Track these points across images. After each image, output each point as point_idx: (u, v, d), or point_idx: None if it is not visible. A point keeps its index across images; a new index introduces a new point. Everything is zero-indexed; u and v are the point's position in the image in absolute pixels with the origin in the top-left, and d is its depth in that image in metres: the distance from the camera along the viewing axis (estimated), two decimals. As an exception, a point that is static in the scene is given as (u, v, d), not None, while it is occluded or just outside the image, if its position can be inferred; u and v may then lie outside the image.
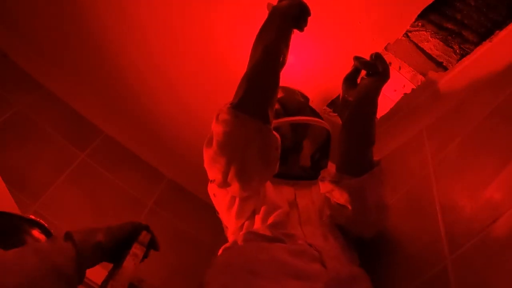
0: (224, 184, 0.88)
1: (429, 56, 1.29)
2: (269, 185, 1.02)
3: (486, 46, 1.15)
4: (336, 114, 1.51)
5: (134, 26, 1.56)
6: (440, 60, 1.27)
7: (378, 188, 0.90)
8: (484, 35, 1.15)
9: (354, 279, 0.80)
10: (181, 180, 1.99)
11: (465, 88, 1.14)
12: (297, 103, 1.28)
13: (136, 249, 0.75)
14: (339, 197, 0.89)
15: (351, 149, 0.90)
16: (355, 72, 0.94)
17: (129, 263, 0.71)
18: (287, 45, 0.89)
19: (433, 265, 0.80)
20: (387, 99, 1.41)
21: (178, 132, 1.86)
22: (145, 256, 0.78)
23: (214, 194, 1.01)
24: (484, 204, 0.76)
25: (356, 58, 0.90)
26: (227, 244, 0.90)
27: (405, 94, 1.38)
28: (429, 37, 1.25)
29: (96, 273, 0.80)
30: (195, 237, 1.86)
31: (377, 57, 0.87)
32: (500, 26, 1.11)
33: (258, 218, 0.94)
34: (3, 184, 1.24)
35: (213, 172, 0.89)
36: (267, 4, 0.93)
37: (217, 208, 1.04)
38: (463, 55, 1.22)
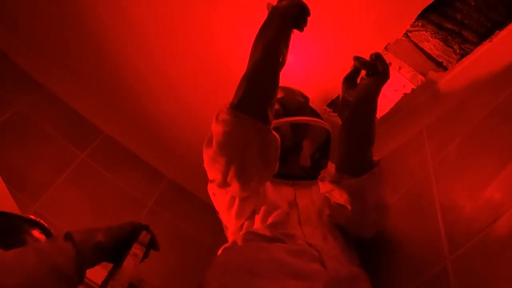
0: (224, 184, 0.88)
1: (429, 56, 1.29)
2: (269, 185, 1.02)
3: (486, 46, 1.15)
4: (336, 114, 1.51)
5: (134, 26, 1.56)
6: (440, 60, 1.27)
7: (377, 188, 0.90)
8: (484, 35, 1.15)
9: (354, 279, 0.80)
10: (181, 180, 1.99)
11: (465, 88, 1.14)
12: (297, 103, 1.28)
13: (136, 249, 0.75)
14: (339, 197, 0.89)
15: (350, 149, 0.90)
16: (355, 72, 0.94)
17: (129, 263, 0.71)
18: (286, 45, 0.89)
19: (433, 265, 0.80)
20: (387, 99, 1.41)
21: (178, 132, 1.86)
22: (145, 256, 0.78)
23: (213, 194, 1.01)
24: (484, 204, 0.76)
25: (356, 58, 0.90)
26: (226, 244, 0.90)
27: (405, 94, 1.38)
28: (429, 37, 1.25)
29: (96, 273, 0.80)
30: (195, 237, 1.86)
31: (377, 57, 0.87)
32: (500, 26, 1.11)
33: (258, 218, 0.94)
34: (3, 184, 1.24)
35: (213, 172, 0.89)
36: (267, 4, 0.93)
37: (217, 208, 1.04)
38: (463, 55, 1.22)
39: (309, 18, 0.91)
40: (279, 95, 1.24)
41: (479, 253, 0.70)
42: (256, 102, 0.83)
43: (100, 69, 1.74)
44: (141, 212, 1.80)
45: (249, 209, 0.97)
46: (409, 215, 1.01)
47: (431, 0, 1.15)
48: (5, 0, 1.65)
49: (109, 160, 1.83)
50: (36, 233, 1.00)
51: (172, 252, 1.72)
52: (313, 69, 1.47)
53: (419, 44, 1.28)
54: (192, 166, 1.73)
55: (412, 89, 1.36)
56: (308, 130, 1.28)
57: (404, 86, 1.38)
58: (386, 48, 1.32)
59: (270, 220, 0.91)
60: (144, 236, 0.79)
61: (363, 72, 0.93)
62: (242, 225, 0.98)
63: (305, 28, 0.92)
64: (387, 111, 1.42)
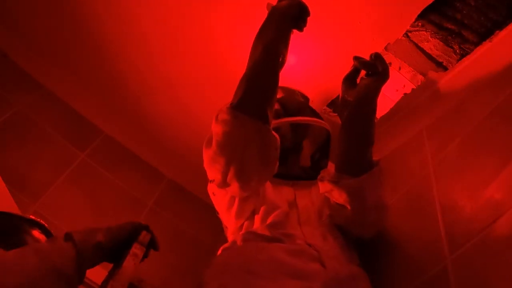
0: (224, 184, 0.88)
1: (429, 56, 1.29)
2: (268, 185, 1.02)
3: (486, 46, 1.15)
4: (336, 114, 1.51)
5: (134, 26, 1.56)
6: (440, 60, 1.27)
7: (377, 188, 0.90)
8: (484, 35, 1.15)
9: (353, 279, 0.80)
10: (181, 180, 1.99)
11: (465, 88, 1.14)
12: (297, 103, 1.28)
13: (136, 249, 0.75)
14: (338, 197, 0.89)
15: (350, 149, 0.90)
16: (354, 72, 0.94)
17: (129, 263, 0.72)
18: (286, 45, 0.88)
19: (433, 265, 0.80)
20: (387, 99, 1.41)
21: (178, 132, 1.86)
22: (145, 256, 0.78)
23: (213, 193, 1.01)
24: (484, 204, 0.76)
25: (356, 58, 0.90)
26: (226, 244, 0.91)
27: (405, 94, 1.38)
28: (429, 37, 1.25)
29: (96, 273, 0.80)
30: (195, 237, 1.86)
31: (377, 57, 0.87)
32: (500, 26, 1.11)
33: (257, 218, 0.94)
34: (3, 184, 1.24)
35: (213, 172, 0.89)
36: (267, 4, 0.92)
37: (216, 208, 1.04)
38: (463, 55, 1.22)
39: (309, 18, 0.90)
40: (279, 95, 1.24)
41: (479, 253, 0.70)
42: (256, 102, 0.83)
43: (100, 69, 1.74)
44: (141, 212, 1.80)
45: (249, 209, 0.97)
46: (409, 215, 1.01)
47: (431, 0, 1.15)
48: (5, 0, 1.65)
49: (109, 160, 1.83)
50: (36, 233, 1.00)
51: (172, 252, 1.72)
52: (313, 69, 1.47)
53: (419, 44, 1.28)
54: (192, 166, 1.73)
55: (412, 89, 1.36)
56: (308, 130, 1.28)
57: (404, 86, 1.38)
58: (386, 48, 1.32)
59: (269, 220, 0.91)
60: (144, 236, 0.79)
61: (363, 72, 0.93)
62: (242, 225, 0.98)
63: (305, 28, 0.92)
64: (387, 111, 1.42)
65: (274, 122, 1.08)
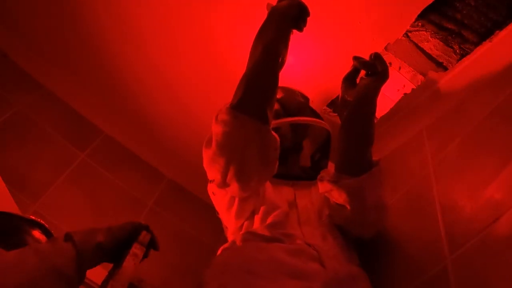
0: (223, 184, 0.88)
1: (429, 56, 1.29)
2: (268, 186, 1.02)
3: (486, 46, 1.15)
4: (336, 114, 1.51)
5: (133, 26, 1.56)
6: (440, 60, 1.27)
7: (377, 188, 0.90)
8: (484, 35, 1.15)
9: (353, 279, 0.80)
10: (181, 180, 1.99)
11: (465, 88, 1.14)
12: (297, 104, 1.28)
13: (136, 249, 0.75)
14: (338, 197, 0.89)
15: (350, 149, 0.90)
16: (354, 72, 0.94)
17: (129, 263, 0.72)
18: (286, 46, 0.88)
19: (433, 265, 0.80)
20: (387, 99, 1.41)
21: (178, 132, 1.86)
22: (145, 256, 0.79)
23: (213, 193, 1.01)
24: (484, 204, 0.76)
25: (356, 58, 0.90)
26: (226, 245, 0.91)
27: (405, 94, 1.38)
28: (429, 37, 1.25)
29: (96, 273, 0.80)
30: (195, 237, 1.86)
31: (376, 57, 0.87)
32: (500, 26, 1.11)
33: (257, 218, 0.94)
34: (3, 184, 1.24)
35: (212, 172, 0.89)
36: (267, 4, 0.92)
37: (216, 208, 1.05)
38: (463, 55, 1.22)
39: (309, 18, 0.90)
40: (279, 95, 1.25)
41: (479, 253, 0.70)
42: (256, 102, 0.83)
43: (100, 69, 1.74)
44: (141, 212, 1.80)
45: (249, 209, 0.97)
46: (409, 215, 1.01)
47: (431, 0, 1.15)
48: (5, 0, 1.65)
49: (109, 160, 1.83)
50: (36, 233, 1.00)
51: (172, 252, 1.72)
52: (313, 69, 1.47)
53: (419, 44, 1.28)
54: (192, 166, 1.73)
55: (412, 89, 1.36)
56: (308, 130, 1.28)
57: (404, 86, 1.38)
58: (386, 48, 1.32)
59: (269, 220, 0.91)
60: (144, 236, 0.79)
61: (362, 72, 0.93)
62: (242, 225, 0.98)
63: (304, 28, 0.92)
64: (387, 111, 1.42)
65: (274, 122, 1.08)
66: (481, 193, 0.78)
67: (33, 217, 1.04)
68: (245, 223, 0.97)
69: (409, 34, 1.27)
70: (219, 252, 0.90)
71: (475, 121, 0.95)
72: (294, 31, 0.91)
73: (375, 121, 0.92)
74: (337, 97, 1.40)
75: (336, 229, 0.95)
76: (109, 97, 1.84)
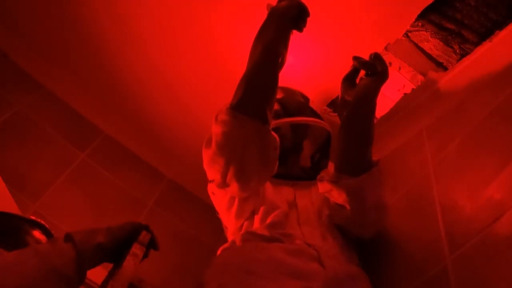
0: (223, 184, 0.88)
1: (429, 56, 1.29)
2: (268, 186, 1.02)
3: (486, 46, 1.15)
4: (336, 114, 1.51)
5: (133, 26, 1.56)
6: (440, 60, 1.27)
7: (377, 188, 0.90)
8: (484, 35, 1.15)
9: (353, 279, 0.80)
10: (181, 180, 1.99)
11: (465, 88, 1.14)
12: (297, 104, 1.28)
13: (136, 249, 0.75)
14: (338, 197, 0.89)
15: (349, 149, 0.90)
16: (354, 72, 0.94)
17: (129, 263, 0.72)
18: (286, 46, 0.88)
19: (433, 265, 0.80)
20: (387, 99, 1.41)
21: (178, 132, 1.86)
22: (145, 256, 0.79)
23: (213, 193, 1.01)
24: (484, 204, 0.76)
25: (355, 58, 0.90)
26: (225, 245, 0.91)
27: (405, 94, 1.38)
28: (429, 37, 1.25)
29: (96, 273, 0.80)
30: (195, 237, 1.86)
31: (376, 57, 0.87)
32: (500, 26, 1.11)
33: (257, 218, 0.94)
34: (3, 184, 1.24)
35: (212, 172, 0.89)
36: (267, 4, 0.92)
37: (216, 208, 1.05)
38: (463, 55, 1.22)
39: (308, 19, 0.90)
40: (279, 95, 1.25)
41: (479, 253, 0.70)
42: (255, 102, 0.83)
43: (100, 69, 1.74)
44: (141, 212, 1.80)
45: (249, 209, 0.97)
46: (409, 215, 1.01)
47: (431, 0, 1.15)
48: (5, 0, 1.65)
49: (109, 160, 1.83)
50: (36, 233, 1.00)
51: (172, 252, 1.72)
52: (313, 69, 1.47)
53: (419, 44, 1.28)
54: (192, 166, 1.73)
55: (412, 89, 1.36)
56: (308, 131, 1.28)
57: (404, 86, 1.38)
58: (386, 48, 1.32)
59: (269, 220, 0.91)
60: (144, 236, 0.79)
61: (362, 72, 0.93)
62: (242, 225, 0.98)
63: (304, 29, 0.92)
64: (387, 111, 1.42)
65: (274, 122, 1.09)
66: (481, 193, 0.78)
67: (33, 217, 1.04)
68: (245, 223, 0.97)
69: (409, 34, 1.27)
70: (219, 252, 0.90)
71: (475, 121, 0.95)
72: (294, 31, 0.91)
73: (375, 121, 0.92)
74: (337, 97, 1.40)
75: (336, 229, 0.95)
76: (109, 97, 1.84)
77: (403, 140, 1.28)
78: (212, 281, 0.73)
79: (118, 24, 1.57)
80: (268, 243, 0.83)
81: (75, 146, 1.77)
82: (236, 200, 0.95)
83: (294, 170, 1.18)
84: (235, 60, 1.50)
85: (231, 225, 1.01)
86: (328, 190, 0.91)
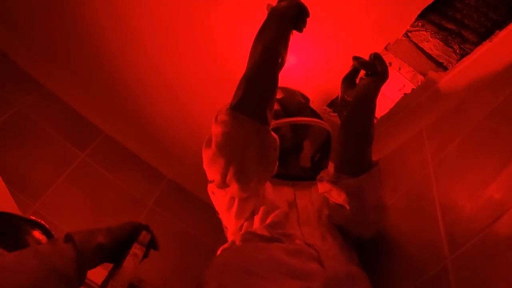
0: (223, 184, 0.88)
1: (429, 56, 1.29)
2: (268, 186, 1.02)
3: (486, 46, 1.15)
4: (336, 114, 1.51)
5: (133, 26, 1.56)
6: (440, 60, 1.27)
7: (376, 188, 0.90)
8: (484, 35, 1.15)
9: (353, 279, 0.80)
10: (181, 180, 1.99)
11: (465, 88, 1.14)
12: (297, 104, 1.28)
13: (136, 249, 0.75)
14: (337, 197, 0.89)
15: (349, 149, 0.90)
16: (354, 72, 0.94)
17: (129, 263, 0.72)
18: (285, 46, 0.88)
19: (433, 265, 0.80)
20: (387, 99, 1.41)
21: (178, 132, 1.86)
22: (145, 256, 0.79)
23: (213, 193, 1.01)
24: (484, 204, 0.76)
25: (355, 58, 0.90)
26: (225, 245, 0.91)
27: (405, 94, 1.38)
28: (429, 37, 1.25)
29: (96, 273, 0.80)
30: (195, 237, 1.86)
31: (376, 57, 0.87)
32: (500, 26, 1.11)
33: (257, 219, 0.94)
34: (3, 184, 1.24)
35: (212, 172, 0.89)
36: (267, 4, 0.93)
37: (216, 208, 1.05)
38: (463, 55, 1.22)
39: (308, 19, 0.90)
40: (279, 95, 1.25)
41: (479, 253, 0.70)
42: (255, 103, 0.83)
43: (100, 69, 1.74)
44: (141, 212, 1.80)
45: (249, 210, 0.97)
46: (409, 215, 1.01)
47: (431, 0, 1.15)
48: (5, 0, 1.65)
49: (109, 160, 1.83)
50: (36, 233, 1.00)
51: (172, 252, 1.72)
52: (313, 69, 1.47)
53: (419, 44, 1.28)
54: (192, 166, 1.73)
55: (412, 89, 1.36)
56: (308, 131, 1.28)
57: (404, 86, 1.38)
58: (386, 48, 1.32)
59: (269, 220, 0.91)
60: (144, 236, 0.79)
61: (362, 72, 0.92)
62: (242, 225, 0.98)
63: (304, 29, 0.92)
64: (387, 111, 1.42)
65: (274, 123, 1.09)
66: (481, 193, 0.78)
67: (33, 217, 1.04)
68: (245, 223, 0.97)
69: (409, 34, 1.27)
70: (219, 252, 0.90)
71: (475, 121, 0.95)
72: (294, 31, 0.91)
73: (375, 121, 0.92)
74: (337, 97, 1.40)
75: (336, 229, 0.95)
76: (109, 97, 1.84)
77: (403, 140, 1.28)
78: (212, 281, 0.73)
79: (118, 24, 1.57)
80: (268, 243, 0.83)
81: (75, 146, 1.77)
82: (236, 200, 0.95)
83: (294, 170, 1.18)
84: (235, 60, 1.50)
85: (231, 225, 1.01)
86: (328, 190, 0.91)
